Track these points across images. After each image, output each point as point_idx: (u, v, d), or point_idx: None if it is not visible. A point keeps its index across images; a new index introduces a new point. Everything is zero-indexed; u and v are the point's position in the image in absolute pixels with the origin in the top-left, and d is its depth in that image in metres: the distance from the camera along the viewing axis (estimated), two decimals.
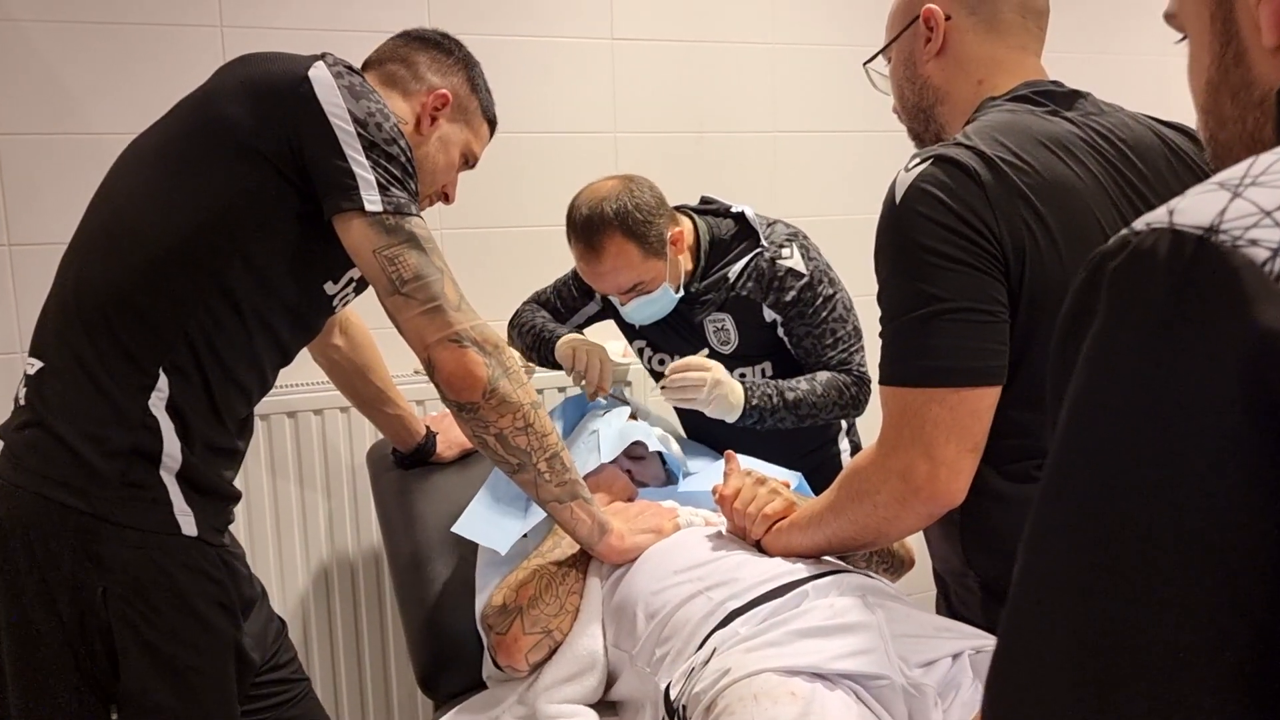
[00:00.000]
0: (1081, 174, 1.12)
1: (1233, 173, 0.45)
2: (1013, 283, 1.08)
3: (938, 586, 1.35)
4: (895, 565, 1.53)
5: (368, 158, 1.24)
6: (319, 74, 1.26)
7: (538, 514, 1.60)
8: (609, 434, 1.67)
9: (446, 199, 1.56)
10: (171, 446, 1.25)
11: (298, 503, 2.20)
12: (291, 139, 1.24)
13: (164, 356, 1.24)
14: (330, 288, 1.40)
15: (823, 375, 1.86)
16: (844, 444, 2.08)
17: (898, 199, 1.09)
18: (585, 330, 2.11)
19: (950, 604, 1.30)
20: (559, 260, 2.21)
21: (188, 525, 1.27)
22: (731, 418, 1.80)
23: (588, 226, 1.77)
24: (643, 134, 2.53)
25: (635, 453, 1.73)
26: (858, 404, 1.89)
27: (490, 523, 1.60)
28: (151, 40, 2.10)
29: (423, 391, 2.23)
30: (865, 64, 1.41)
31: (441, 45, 1.50)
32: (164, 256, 1.25)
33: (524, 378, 1.30)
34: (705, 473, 1.67)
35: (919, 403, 1.06)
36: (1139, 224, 0.46)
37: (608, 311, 2.08)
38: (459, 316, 1.26)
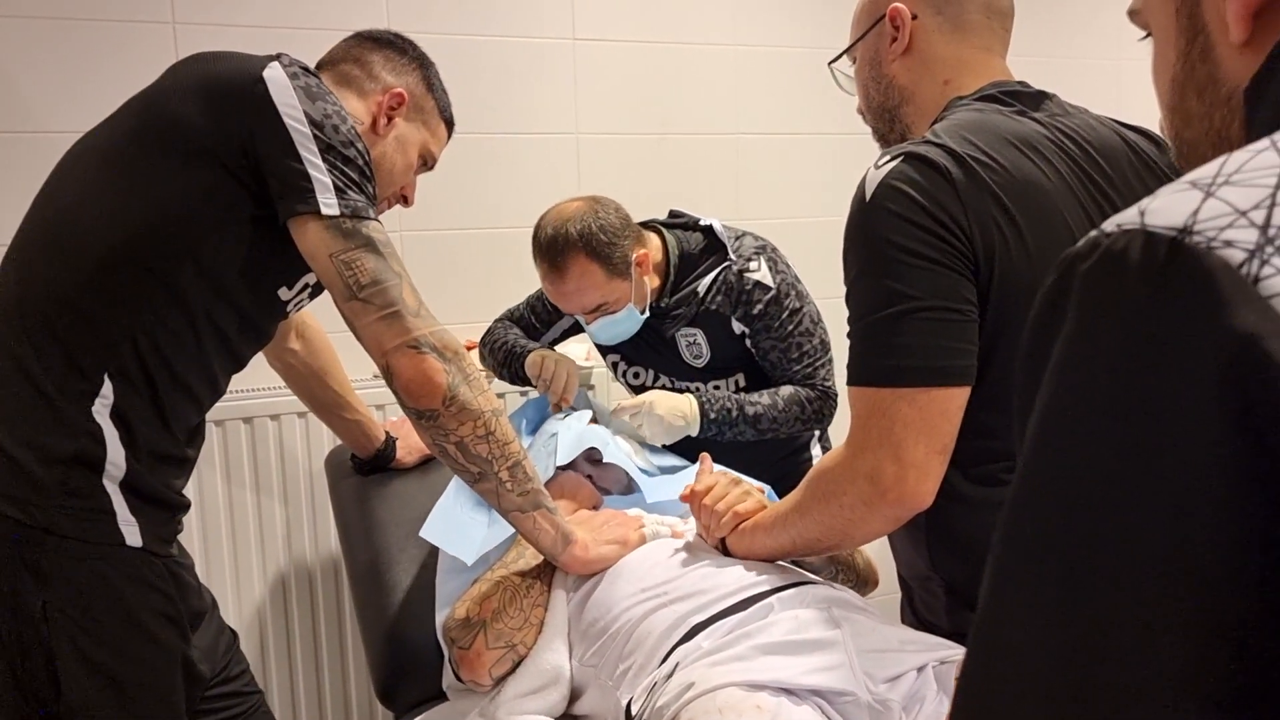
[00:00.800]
0: (1049, 174, 1.12)
1: (1204, 171, 0.44)
2: (982, 282, 1.07)
3: (903, 591, 1.34)
4: (859, 583, 1.52)
5: (324, 160, 1.22)
6: (274, 74, 1.23)
7: (500, 520, 1.58)
8: (567, 438, 1.65)
9: (405, 201, 1.54)
10: (115, 455, 1.21)
11: (254, 510, 2.15)
12: (245, 141, 1.21)
13: (109, 362, 1.21)
14: (285, 293, 1.37)
15: (785, 389, 1.86)
16: (815, 450, 2.07)
17: (868, 196, 1.08)
18: (561, 343, 2.09)
19: (915, 609, 1.30)
20: (522, 264, 2.19)
21: (132, 536, 1.23)
22: (691, 431, 1.79)
23: (552, 247, 1.76)
24: (605, 136, 2.51)
25: (595, 457, 1.71)
26: (820, 418, 1.89)
27: (456, 529, 1.57)
28: (103, 37, 2.05)
29: (382, 396, 2.18)
30: (830, 63, 1.40)
31: (395, 44, 1.48)
32: (110, 259, 1.21)
33: (485, 384, 1.27)
34: (673, 481, 1.65)
35: (887, 402, 1.05)
36: (1109, 225, 0.44)
37: (581, 326, 2.06)
38: (417, 322, 1.23)
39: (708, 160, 2.63)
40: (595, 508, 1.57)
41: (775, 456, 1.98)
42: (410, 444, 1.96)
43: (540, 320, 2.07)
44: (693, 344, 1.91)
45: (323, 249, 1.22)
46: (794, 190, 2.75)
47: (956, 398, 1.06)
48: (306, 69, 1.28)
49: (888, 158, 1.10)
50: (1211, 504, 0.39)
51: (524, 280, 2.12)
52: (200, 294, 1.25)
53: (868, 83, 1.32)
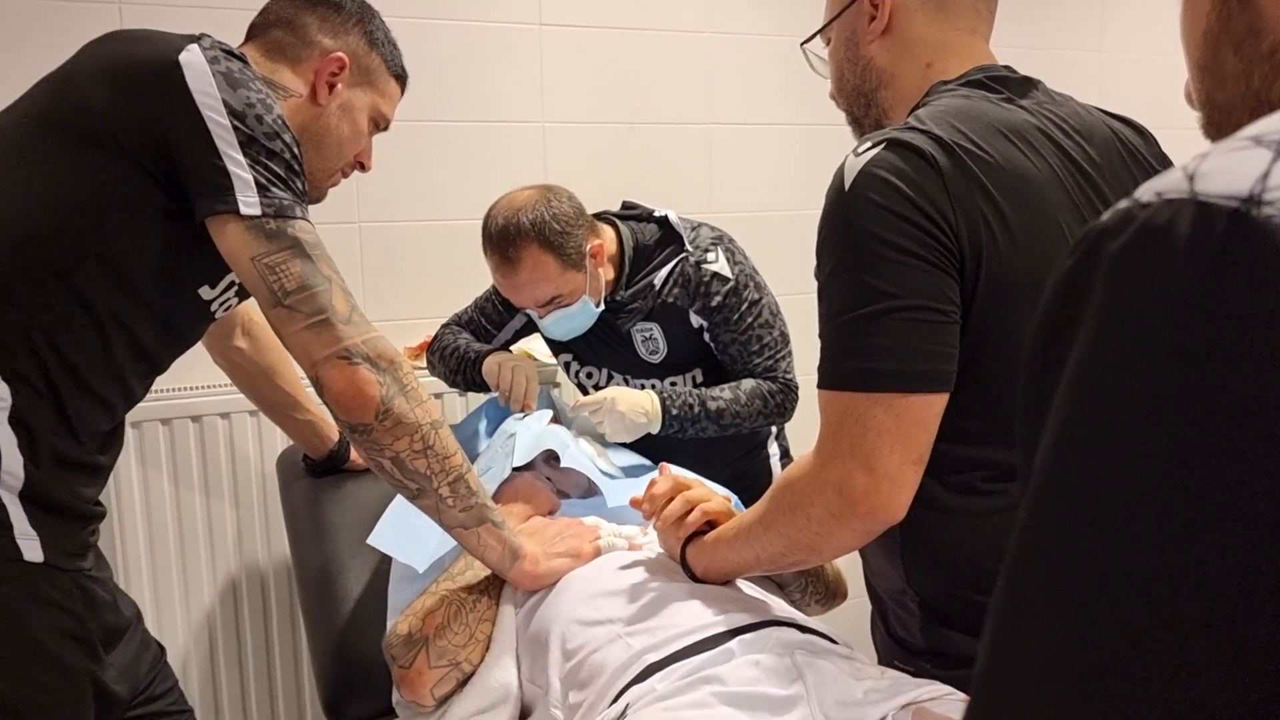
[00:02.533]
0: (1039, 166, 1.05)
1: (1272, 125, 0.35)
2: (967, 280, 1.00)
3: (875, 607, 1.27)
4: (828, 596, 1.45)
5: (245, 154, 1.13)
6: (191, 59, 1.14)
7: None
8: (525, 438, 1.58)
9: (363, 167, 1.44)
10: (11, 463, 1.12)
11: (203, 513, 2.07)
12: (157, 131, 1.13)
13: (5, 364, 1.12)
14: (207, 292, 1.28)
15: (747, 383, 1.79)
16: (773, 448, 2.01)
17: (847, 185, 1.00)
18: (515, 343, 2.01)
19: (888, 625, 1.23)
20: (478, 256, 2.11)
21: (31, 550, 1.13)
22: (653, 428, 1.72)
23: (503, 237, 1.68)
24: (572, 124, 2.43)
25: (554, 458, 1.64)
26: (783, 412, 1.83)
27: (407, 534, 1.49)
28: (47, 17, 1.95)
29: None
30: (803, 44, 1.32)
31: (331, 1, 1.37)
32: (8, 253, 1.12)
33: (424, 395, 1.19)
34: (635, 485, 1.58)
35: (861, 408, 0.98)
36: (1145, 193, 0.36)
37: (534, 325, 1.99)
38: (349, 330, 1.15)
39: (679, 151, 2.56)
40: (552, 512, 1.49)
41: (733, 454, 1.91)
42: None
43: (491, 321, 1.99)
44: (649, 339, 1.84)
45: (244, 251, 1.13)
46: (768, 182, 2.68)
47: (935, 405, 0.99)
48: (229, 52, 1.19)
49: (869, 144, 1.02)
50: None
51: (484, 272, 2.04)
52: (106, 293, 1.16)
53: (842, 64, 1.24)
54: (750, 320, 1.78)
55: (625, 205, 1.91)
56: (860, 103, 1.24)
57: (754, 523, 1.12)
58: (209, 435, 2.04)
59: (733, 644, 1.04)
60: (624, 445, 1.82)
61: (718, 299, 1.76)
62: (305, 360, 1.15)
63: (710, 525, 1.24)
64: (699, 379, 1.87)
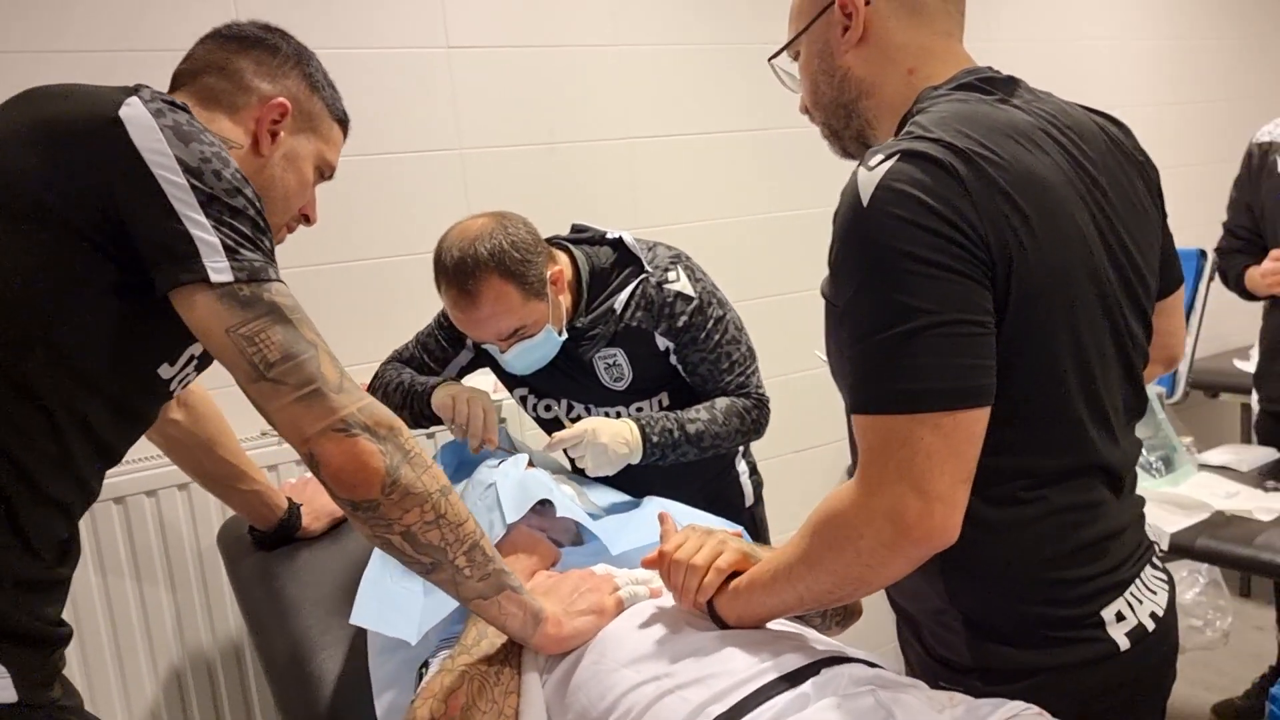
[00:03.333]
0: (1048, 166, 1.03)
1: None
2: (999, 288, 0.97)
3: (905, 626, 1.23)
4: (847, 616, 1.41)
5: (207, 215, 1.01)
6: (133, 113, 1.01)
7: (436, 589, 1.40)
8: (509, 489, 1.48)
9: (307, 220, 1.33)
10: None
11: (136, 601, 1.89)
12: (104, 198, 1.00)
13: None
14: (166, 370, 1.15)
15: (721, 402, 1.74)
16: (742, 466, 1.96)
17: (864, 200, 0.95)
18: (461, 379, 1.90)
19: (924, 643, 1.19)
20: (411, 294, 2.00)
21: (4, 691, 0.99)
22: (634, 458, 1.65)
23: (460, 270, 1.57)
24: (490, 149, 2.34)
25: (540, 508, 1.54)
26: (759, 428, 1.79)
27: (390, 606, 1.38)
28: None
29: (274, 456, 1.96)
30: (770, 59, 1.28)
31: (265, 42, 1.26)
32: None
33: (428, 460, 1.09)
34: (630, 524, 1.50)
35: (906, 430, 0.93)
36: None
37: (483, 359, 1.88)
38: (342, 399, 1.03)
39: (602, 167, 2.49)
40: (554, 564, 1.40)
41: (704, 477, 1.87)
42: (316, 508, 1.75)
43: (434, 357, 1.88)
44: (612, 365, 1.77)
45: (217, 324, 1.01)
46: (691, 192, 2.63)
47: (981, 420, 0.96)
48: (172, 103, 1.06)
49: (880, 156, 0.97)
50: None
51: (415, 311, 1.94)
52: (57, 385, 1.02)
53: (817, 77, 1.20)
54: (718, 338, 1.73)
55: (575, 229, 1.83)
56: (839, 115, 1.20)
57: (795, 562, 1.06)
58: (135, 515, 1.87)
59: (806, 688, 0.98)
60: (601, 480, 1.74)
61: (683, 319, 1.70)
62: (295, 436, 1.03)
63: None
64: (665, 402, 1.80)
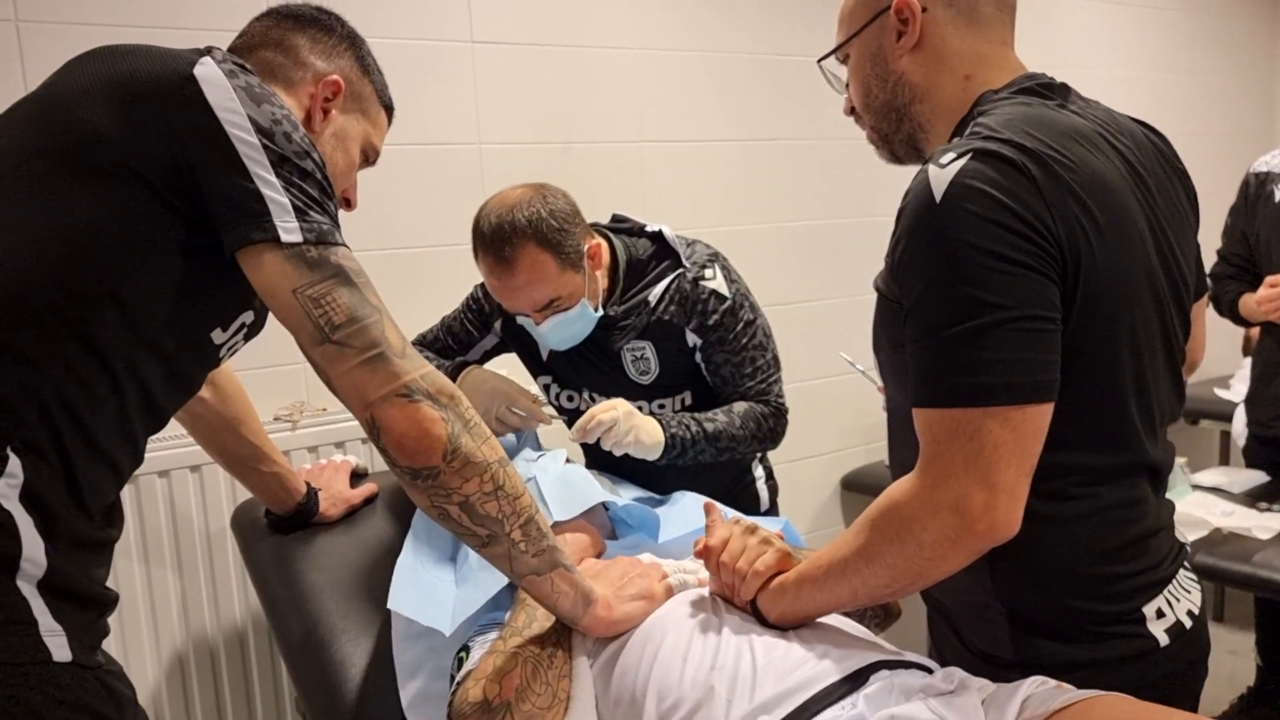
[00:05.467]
0: (1109, 169, 1.06)
1: None
2: (1067, 286, 0.99)
3: (942, 621, 1.25)
4: (886, 618, 1.42)
5: (278, 175, 1.01)
6: (208, 72, 1.01)
7: (472, 577, 1.40)
8: (551, 484, 1.48)
9: (348, 205, 1.33)
10: (32, 548, 0.96)
11: (142, 582, 1.86)
12: (178, 155, 0.99)
13: (13, 432, 0.96)
14: (219, 336, 1.14)
15: (739, 406, 1.75)
16: (758, 471, 1.97)
17: (937, 197, 0.97)
18: (484, 365, 1.90)
19: (963, 639, 1.20)
20: (423, 284, 2.00)
21: (59, 649, 0.97)
22: (652, 455, 1.65)
23: (498, 236, 1.58)
24: (508, 145, 2.34)
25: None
26: (775, 436, 1.80)
27: (424, 594, 1.37)
28: None
29: (286, 442, 1.95)
30: (820, 61, 1.29)
31: (320, 22, 1.27)
32: (10, 304, 0.96)
33: (486, 431, 1.09)
34: (676, 515, 1.51)
35: (975, 423, 0.95)
36: None
37: (507, 344, 1.88)
38: (406, 365, 1.03)
39: (614, 169, 2.51)
40: (600, 554, 1.40)
41: (720, 482, 1.87)
42: (334, 494, 1.74)
43: (459, 341, 1.89)
44: (640, 358, 1.77)
45: (284, 284, 1.01)
46: (701, 200, 2.65)
47: (1047, 415, 0.98)
48: (243, 65, 1.06)
49: (952, 154, 1.00)
50: None
51: (431, 301, 1.94)
52: (122, 342, 1.02)
53: (869, 81, 1.22)
54: (745, 341, 1.74)
55: (615, 219, 1.84)
56: (891, 118, 1.22)
57: (851, 555, 1.07)
58: (146, 496, 1.85)
59: (858, 698, 0.98)
60: (623, 477, 1.75)
61: (714, 317, 1.71)
62: (358, 401, 1.03)
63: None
64: (688, 401, 1.81)
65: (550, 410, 1.84)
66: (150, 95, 1.00)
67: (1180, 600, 1.13)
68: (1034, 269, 0.96)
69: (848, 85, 1.27)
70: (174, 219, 1.01)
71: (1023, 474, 0.97)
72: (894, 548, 1.02)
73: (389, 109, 1.36)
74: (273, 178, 1.01)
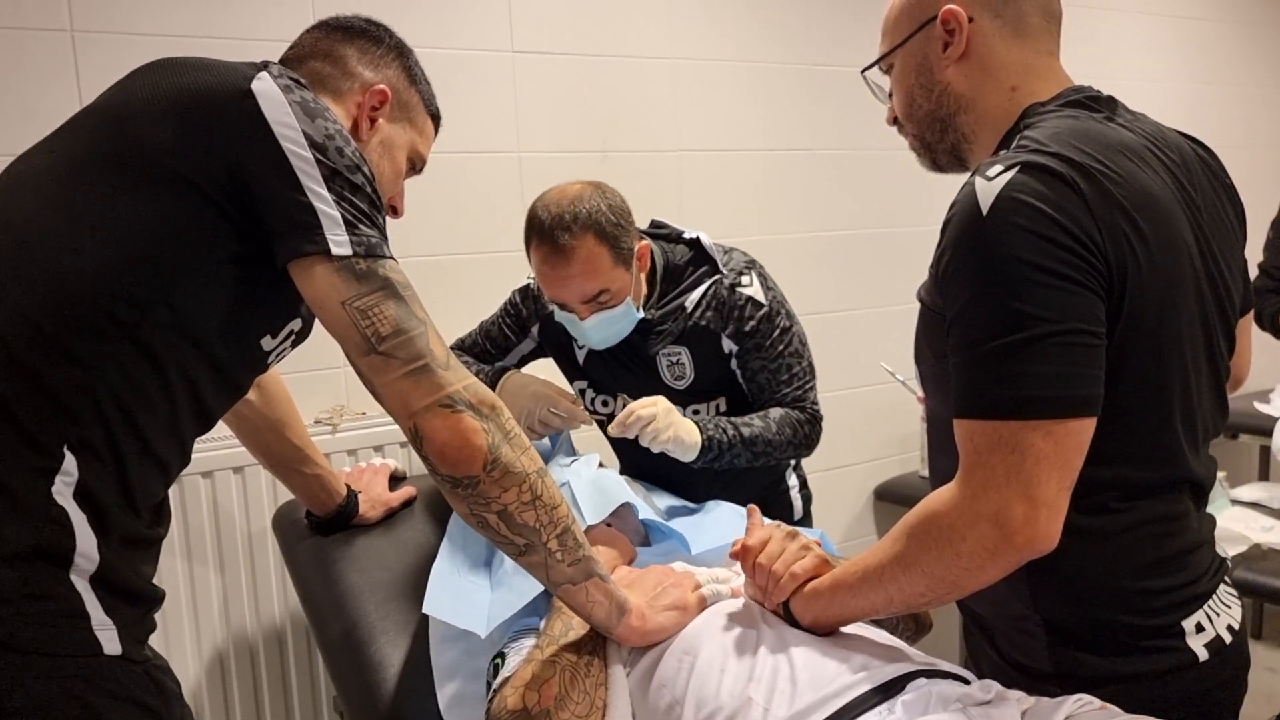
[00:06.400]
0: (1157, 184, 1.05)
1: None
2: (1113, 301, 0.99)
3: (978, 631, 1.25)
4: (918, 629, 1.42)
5: (330, 189, 1.03)
6: (265, 87, 1.04)
7: (507, 581, 1.42)
8: (584, 489, 1.50)
9: (394, 212, 1.35)
10: (86, 544, 0.99)
11: (185, 580, 1.90)
12: (233, 167, 1.02)
13: (69, 431, 0.98)
14: (268, 342, 1.17)
15: (775, 412, 1.76)
16: (792, 479, 1.98)
17: (984, 209, 0.98)
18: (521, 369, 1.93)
19: (998, 649, 1.20)
20: (461, 291, 2.02)
21: (110, 642, 1.00)
22: (688, 456, 1.66)
23: (558, 224, 1.60)
24: (547, 154, 2.37)
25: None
26: (810, 443, 1.81)
27: (459, 598, 1.39)
28: None
29: (327, 445, 1.98)
30: (863, 71, 1.30)
31: (369, 33, 1.30)
32: (67, 308, 0.99)
33: (526, 441, 1.11)
34: (710, 525, 1.52)
35: (1018, 436, 0.96)
36: None
37: (544, 349, 1.91)
38: (449, 376, 1.05)
39: (651, 177, 2.52)
40: (631, 561, 1.42)
41: (754, 488, 1.87)
42: (373, 496, 1.77)
43: (497, 345, 1.92)
44: (675, 363, 1.79)
45: (334, 295, 1.03)
46: (738, 209, 2.67)
47: (1089, 429, 0.98)
48: (298, 80, 1.09)
49: (999, 167, 1.00)
50: None
51: (469, 308, 1.97)
52: (174, 346, 1.04)
53: (913, 90, 1.22)
54: (781, 348, 1.75)
55: (654, 224, 1.87)
56: (935, 128, 1.22)
57: (888, 563, 1.07)
58: (190, 495, 1.88)
59: (895, 706, 0.99)
60: (658, 485, 1.76)
61: (751, 324, 1.72)
62: (402, 411, 1.05)
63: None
64: (722, 407, 1.82)
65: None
66: (209, 108, 1.03)
67: (1220, 615, 1.12)
68: (1080, 283, 0.96)
69: (890, 95, 1.28)
70: (229, 228, 1.04)
71: (1063, 488, 0.97)
72: (931, 556, 1.02)
73: (436, 118, 1.38)
74: (325, 191, 1.03)
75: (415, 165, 1.36)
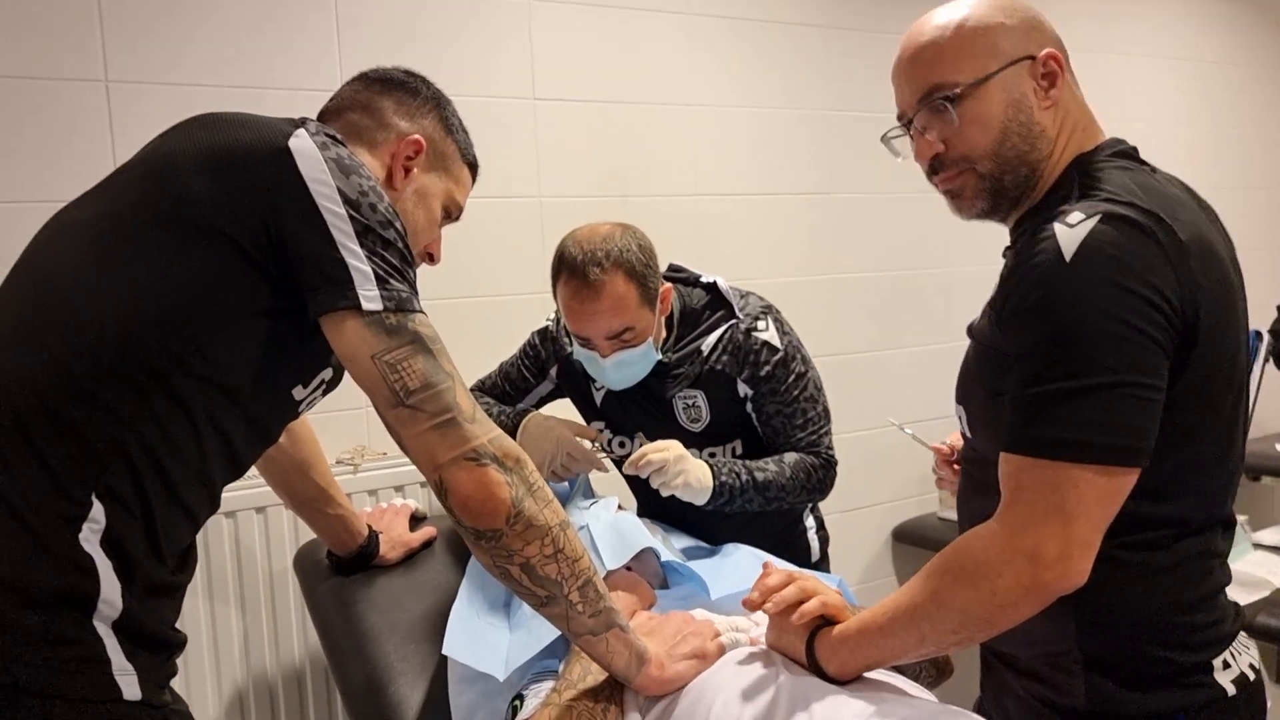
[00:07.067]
0: (1213, 235, 1.09)
1: None
2: (1181, 351, 1.02)
3: (1002, 670, 1.24)
4: (939, 675, 1.41)
5: (362, 245, 1.06)
6: (302, 145, 1.07)
7: (526, 623, 1.43)
8: (604, 532, 1.51)
9: (431, 259, 1.37)
10: (110, 590, 1.01)
11: (206, 619, 1.92)
12: (269, 222, 1.05)
13: (98, 479, 1.01)
14: (299, 392, 1.19)
15: (790, 456, 1.77)
16: (809, 521, 1.98)
17: (1067, 256, 1.00)
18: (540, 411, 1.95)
19: (1026, 688, 1.20)
20: (487, 331, 2.05)
21: (129, 688, 1.02)
22: (700, 500, 1.68)
23: (590, 260, 1.63)
24: (568, 199, 2.40)
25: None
26: (824, 488, 1.82)
27: (478, 639, 1.40)
28: (29, 96, 1.83)
29: (347, 485, 1.99)
30: (942, 99, 1.15)
31: (407, 85, 1.32)
32: (102, 357, 1.02)
33: (549, 494, 1.12)
34: (730, 569, 1.52)
35: (1066, 476, 0.98)
36: None
37: (562, 391, 1.93)
38: (475, 430, 1.07)
39: (670, 221, 2.55)
40: (650, 606, 1.42)
41: (771, 530, 1.88)
42: (394, 537, 1.78)
43: (516, 387, 1.95)
44: (691, 406, 1.81)
45: (364, 349, 1.05)
46: (753, 250, 2.69)
47: (1132, 480, 1.01)
48: (334, 137, 1.12)
49: (1081, 215, 1.02)
50: None
51: (489, 351, 2.00)
52: (206, 396, 1.07)
53: (1009, 128, 1.14)
54: (796, 393, 1.76)
55: (672, 267, 1.89)
56: (1020, 170, 1.16)
57: (922, 600, 1.07)
58: (213, 535, 1.90)
59: None
60: (675, 526, 1.77)
61: (766, 368, 1.74)
62: (428, 463, 1.07)
63: (825, 621, 1.20)
64: (738, 450, 1.83)
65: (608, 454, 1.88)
66: (247, 164, 1.06)
67: (1241, 655, 1.15)
68: (1152, 338, 0.99)
69: (923, 132, 1.19)
70: (263, 282, 1.06)
71: (1099, 530, 1.00)
72: (966, 592, 1.03)
73: (472, 166, 1.40)
74: (357, 247, 1.06)
75: (451, 213, 1.38)
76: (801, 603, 1.19)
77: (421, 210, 1.31)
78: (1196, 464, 1.08)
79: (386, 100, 1.29)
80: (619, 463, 1.90)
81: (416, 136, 1.28)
